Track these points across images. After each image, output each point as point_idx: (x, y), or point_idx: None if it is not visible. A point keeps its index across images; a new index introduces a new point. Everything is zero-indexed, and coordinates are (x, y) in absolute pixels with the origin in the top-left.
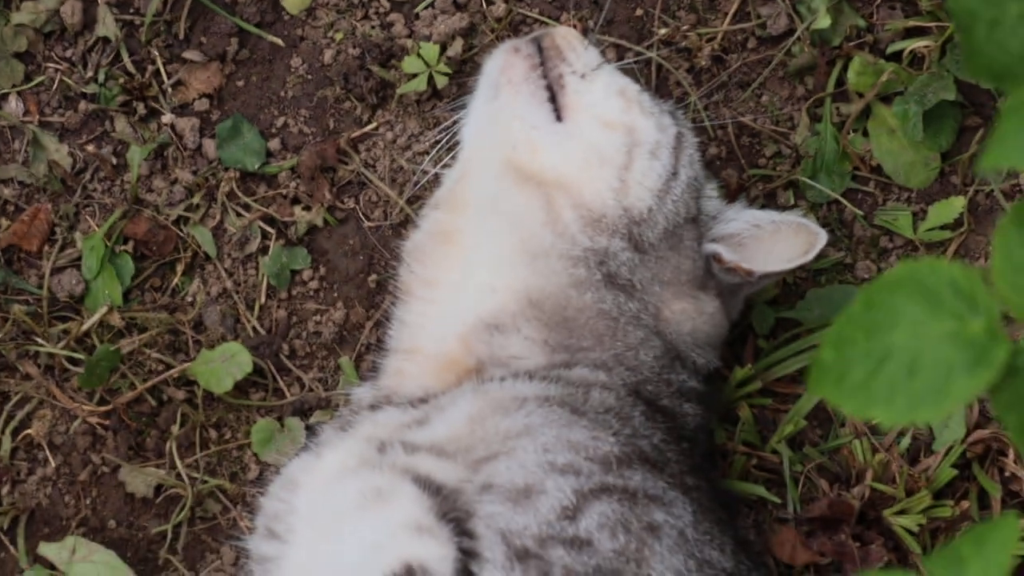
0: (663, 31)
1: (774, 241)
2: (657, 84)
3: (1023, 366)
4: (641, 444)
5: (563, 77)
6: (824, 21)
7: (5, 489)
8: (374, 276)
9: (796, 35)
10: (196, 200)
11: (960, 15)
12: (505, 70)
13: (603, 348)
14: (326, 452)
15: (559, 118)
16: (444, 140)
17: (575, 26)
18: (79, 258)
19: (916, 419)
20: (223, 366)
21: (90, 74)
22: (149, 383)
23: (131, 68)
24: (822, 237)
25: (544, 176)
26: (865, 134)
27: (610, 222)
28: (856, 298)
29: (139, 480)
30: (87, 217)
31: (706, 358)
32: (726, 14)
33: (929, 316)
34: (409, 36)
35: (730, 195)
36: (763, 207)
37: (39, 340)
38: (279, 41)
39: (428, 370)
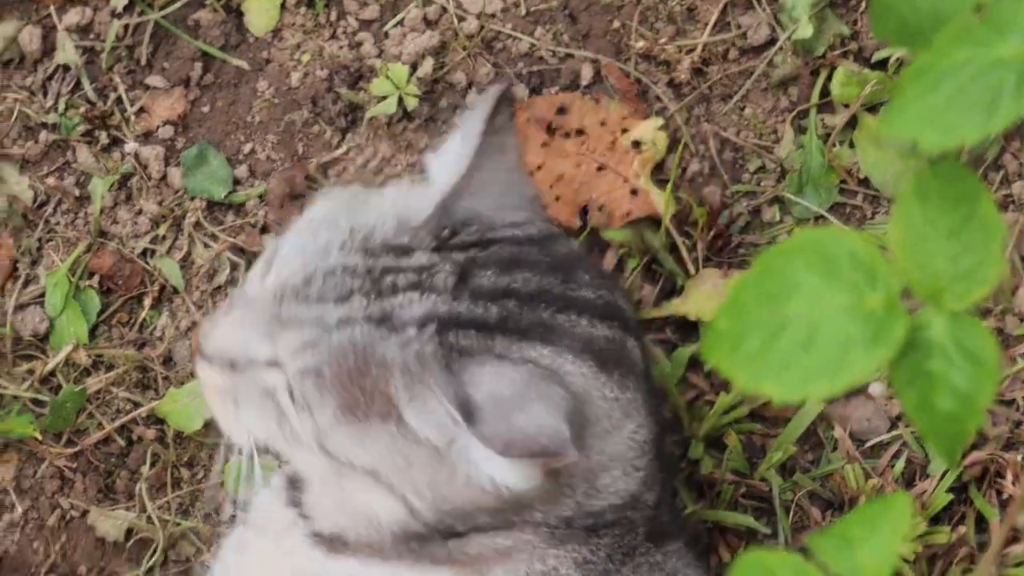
0: (640, 44)
1: None
2: (635, 99)
3: (921, 343)
4: None
5: None
6: (807, 30)
7: None
8: None
9: (778, 45)
10: (162, 231)
11: None
12: None
13: None
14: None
15: None
16: None
17: None
18: (43, 295)
19: (809, 394)
20: (192, 404)
21: (50, 103)
22: (117, 423)
23: (92, 96)
24: None
25: None
26: (851, 146)
27: None
28: (753, 264)
29: (109, 524)
30: (50, 252)
31: None
32: (706, 25)
33: (826, 287)
34: (379, 56)
35: (713, 213)
36: (748, 224)
37: (2, 382)
38: (244, 64)
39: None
